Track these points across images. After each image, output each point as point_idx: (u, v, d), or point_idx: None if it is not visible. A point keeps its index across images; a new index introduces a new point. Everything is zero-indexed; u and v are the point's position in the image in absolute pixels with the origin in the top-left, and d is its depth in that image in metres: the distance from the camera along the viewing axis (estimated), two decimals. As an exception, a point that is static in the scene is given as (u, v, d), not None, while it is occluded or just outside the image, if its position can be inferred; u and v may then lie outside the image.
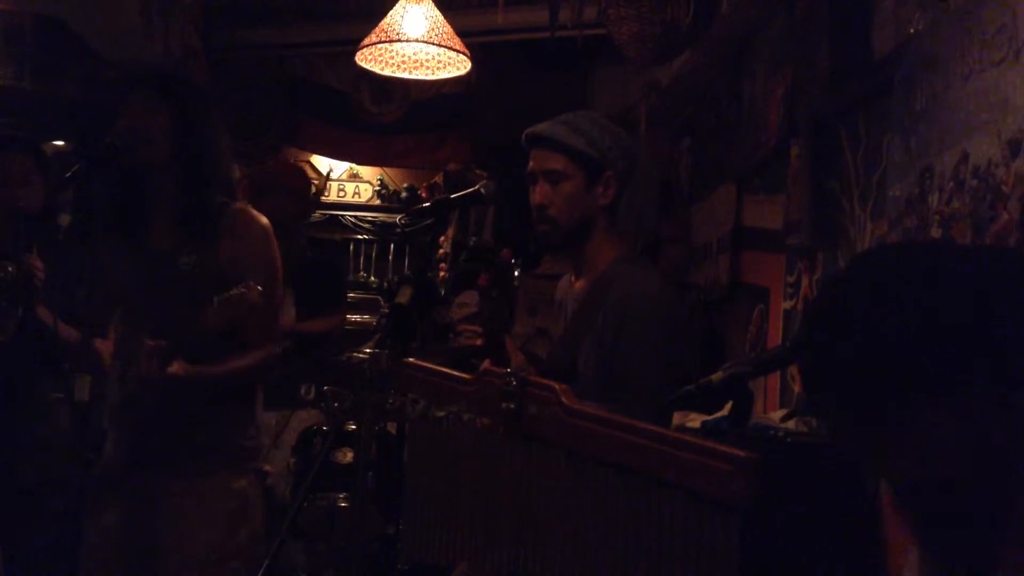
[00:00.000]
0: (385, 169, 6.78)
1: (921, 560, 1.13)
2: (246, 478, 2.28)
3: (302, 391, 3.85)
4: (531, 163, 2.19)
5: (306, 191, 4.41)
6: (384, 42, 3.00)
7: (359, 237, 6.75)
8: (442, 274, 6.32)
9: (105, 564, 2.20)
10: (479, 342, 3.46)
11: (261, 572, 1.63)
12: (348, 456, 3.44)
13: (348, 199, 6.66)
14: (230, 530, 2.20)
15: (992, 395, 0.96)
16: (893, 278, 0.99)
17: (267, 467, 3.34)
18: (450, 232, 6.05)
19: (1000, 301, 0.97)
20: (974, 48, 1.81)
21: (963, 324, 0.95)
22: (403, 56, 3.16)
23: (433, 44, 3.01)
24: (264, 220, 2.32)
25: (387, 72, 3.21)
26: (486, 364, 2.08)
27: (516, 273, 2.07)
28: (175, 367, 2.07)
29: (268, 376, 2.40)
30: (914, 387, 0.96)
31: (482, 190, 2.01)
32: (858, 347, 0.97)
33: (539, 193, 2.17)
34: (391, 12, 3.02)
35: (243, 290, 2.03)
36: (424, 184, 6.72)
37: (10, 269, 2.45)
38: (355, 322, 5.27)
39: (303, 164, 6.53)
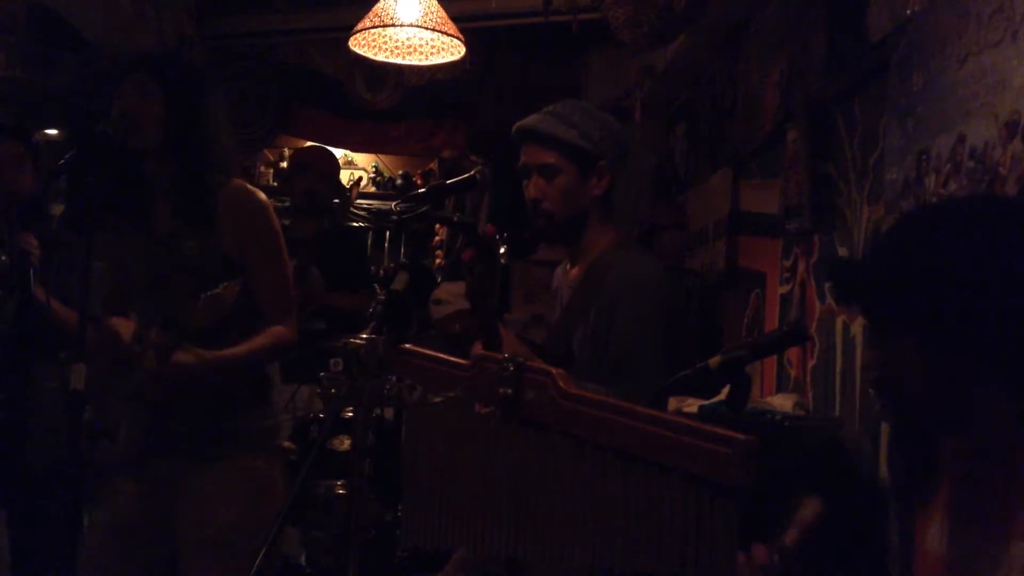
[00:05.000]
0: (380, 156, 6.77)
1: (947, 524, 1.17)
2: (264, 458, 2.27)
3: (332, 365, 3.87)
4: (523, 157, 2.18)
5: (335, 174, 4.47)
6: (377, 27, 2.99)
7: (354, 224, 6.75)
8: (438, 261, 6.31)
9: (118, 546, 2.19)
10: (457, 327, 3.46)
11: (259, 559, 1.63)
12: (345, 444, 3.44)
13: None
14: (248, 511, 2.19)
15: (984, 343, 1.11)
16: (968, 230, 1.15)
17: (287, 444, 3.33)
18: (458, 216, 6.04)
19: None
20: (971, 29, 1.80)
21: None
22: (396, 41, 3.15)
23: (427, 29, 2.99)
24: (262, 195, 2.30)
25: (380, 58, 3.19)
26: (478, 348, 2.08)
27: (503, 250, 2.06)
28: (182, 356, 2.06)
29: (284, 356, 2.37)
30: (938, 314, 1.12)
31: (477, 176, 2.00)
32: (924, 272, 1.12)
33: (533, 187, 2.16)
34: (384, -3, 3.00)
35: (220, 291, 2.02)
36: (419, 171, 6.71)
37: (3, 258, 2.45)
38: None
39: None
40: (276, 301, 2.24)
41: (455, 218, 1.97)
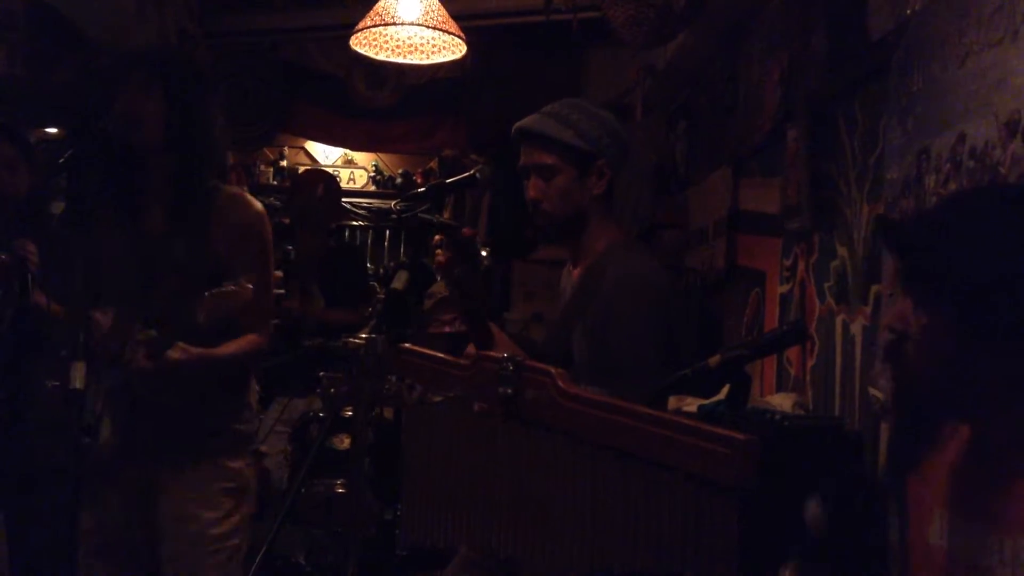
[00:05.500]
0: (380, 155, 6.77)
1: (947, 521, 1.16)
2: (243, 460, 2.29)
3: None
4: (522, 158, 2.18)
5: (333, 196, 4.53)
6: (378, 26, 2.99)
7: (354, 223, 6.75)
8: (438, 258, 6.31)
9: (106, 550, 2.20)
10: (447, 328, 3.47)
11: (259, 557, 1.63)
12: (345, 442, 3.44)
13: (343, 185, 6.66)
14: (228, 510, 2.22)
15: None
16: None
17: (263, 448, 3.36)
18: (445, 217, 6.05)
19: None
20: (972, 28, 1.80)
21: None
22: (397, 40, 3.15)
23: (428, 27, 2.99)
24: (258, 205, 2.31)
25: (381, 57, 3.19)
26: (471, 349, 2.08)
27: (484, 252, 2.07)
28: (175, 352, 2.06)
29: (259, 361, 2.40)
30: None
31: (477, 174, 2.00)
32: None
33: (532, 188, 2.16)
34: (385, -5, 3.00)
35: (235, 287, 2.03)
36: (419, 170, 6.71)
37: (2, 257, 2.44)
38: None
39: (299, 149, 6.53)
40: (258, 309, 2.25)
41: (435, 220, 1.96)
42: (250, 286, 2.04)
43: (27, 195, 2.78)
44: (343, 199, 6.56)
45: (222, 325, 2.11)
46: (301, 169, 6.32)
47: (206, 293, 2.02)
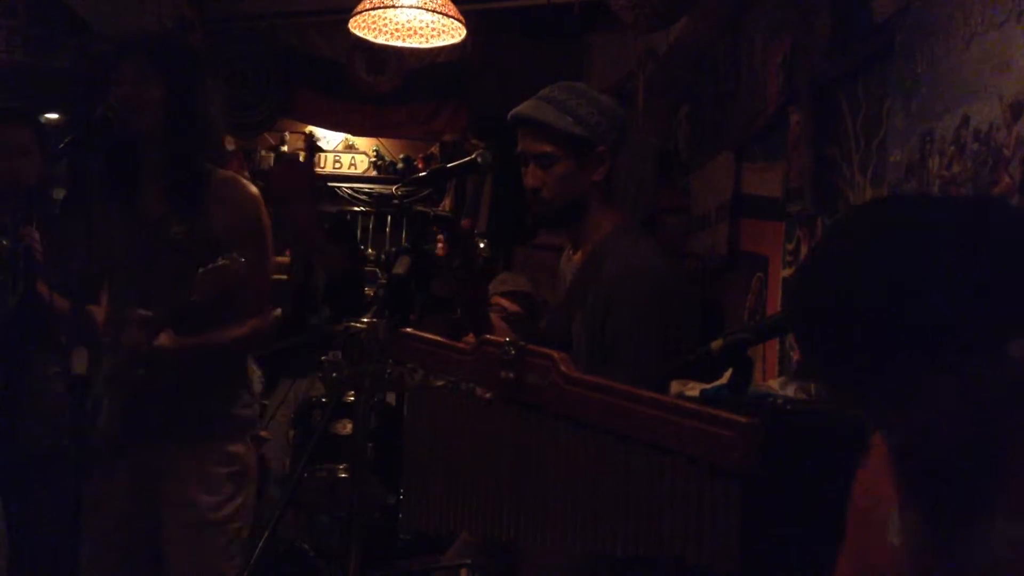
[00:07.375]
0: (381, 140, 6.75)
1: (903, 517, 1.13)
2: (243, 444, 2.30)
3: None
4: (519, 144, 2.15)
5: (305, 174, 4.57)
6: (378, 8, 2.97)
7: (356, 209, 6.74)
8: (440, 245, 6.30)
9: (107, 533, 2.21)
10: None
11: (262, 543, 1.63)
12: (347, 427, 3.45)
13: (344, 171, 6.65)
14: (230, 493, 2.22)
15: (987, 347, 0.96)
16: (876, 234, 0.99)
17: (263, 433, 3.36)
18: (447, 203, 6.03)
19: (985, 250, 0.95)
20: (976, 10, 1.79)
21: (952, 276, 0.94)
22: (397, 24, 3.14)
23: (427, 10, 2.98)
24: (253, 188, 2.31)
25: (381, 40, 3.18)
26: (470, 339, 2.07)
27: (482, 244, 2.05)
28: (162, 339, 2.07)
29: (263, 346, 2.39)
30: (908, 344, 0.95)
31: (479, 159, 1.98)
32: (848, 306, 0.96)
33: (531, 176, 2.13)
34: (385, -22, 2.98)
35: (227, 262, 2.02)
36: (420, 155, 6.69)
37: (4, 243, 2.44)
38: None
39: (300, 134, 6.53)
40: (256, 293, 2.25)
41: (431, 213, 1.95)
42: (243, 259, 2.04)
43: (37, 182, 2.75)
44: (344, 185, 6.57)
45: (217, 302, 2.10)
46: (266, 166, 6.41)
47: (200, 270, 2.02)
